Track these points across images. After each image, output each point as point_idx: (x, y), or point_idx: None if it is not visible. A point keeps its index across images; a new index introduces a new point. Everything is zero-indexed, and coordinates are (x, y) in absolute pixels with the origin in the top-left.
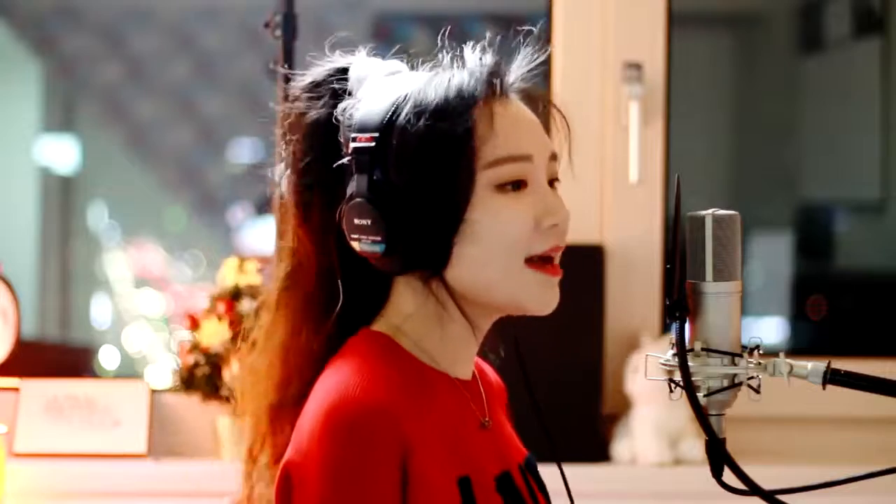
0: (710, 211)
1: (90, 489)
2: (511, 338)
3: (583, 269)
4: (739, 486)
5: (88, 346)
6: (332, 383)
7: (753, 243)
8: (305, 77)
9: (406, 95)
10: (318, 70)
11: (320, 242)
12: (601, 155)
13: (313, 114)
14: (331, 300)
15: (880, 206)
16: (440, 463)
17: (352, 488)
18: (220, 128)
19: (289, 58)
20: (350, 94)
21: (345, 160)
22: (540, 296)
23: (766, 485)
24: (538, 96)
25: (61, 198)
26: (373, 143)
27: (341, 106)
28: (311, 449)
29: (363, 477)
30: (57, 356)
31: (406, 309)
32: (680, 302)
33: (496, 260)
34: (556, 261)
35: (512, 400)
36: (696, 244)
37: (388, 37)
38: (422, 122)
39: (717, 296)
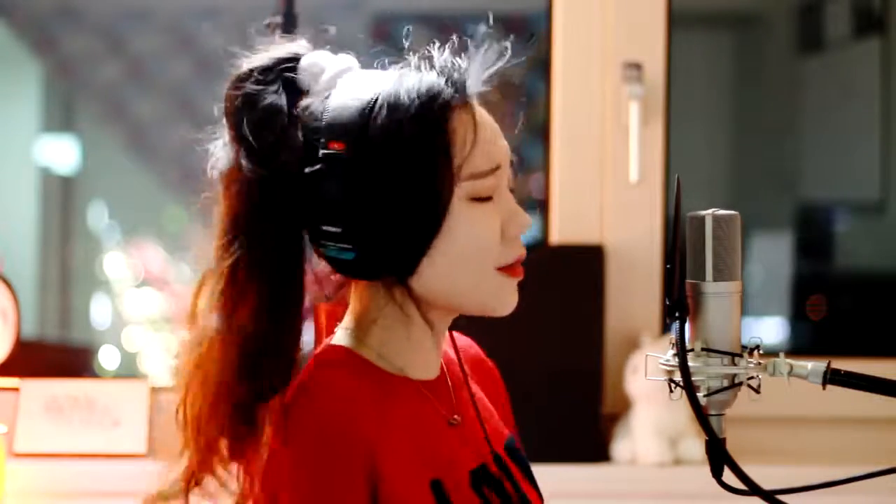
0: (710, 211)
1: (90, 489)
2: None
3: (583, 269)
4: (739, 486)
5: (88, 346)
6: (294, 408)
7: (753, 243)
8: (252, 60)
9: (377, 100)
10: (265, 55)
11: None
12: (601, 155)
13: (268, 99)
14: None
15: (880, 206)
16: (410, 469)
17: None
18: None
19: None
20: (305, 87)
21: (316, 167)
22: (505, 299)
23: (766, 485)
24: (496, 100)
25: (61, 198)
26: (344, 150)
27: (303, 103)
28: (280, 476)
29: (334, 498)
30: (57, 356)
31: (367, 316)
32: (680, 302)
33: (467, 269)
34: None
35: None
36: (696, 244)
37: (387, 37)
38: (398, 130)
39: (717, 296)
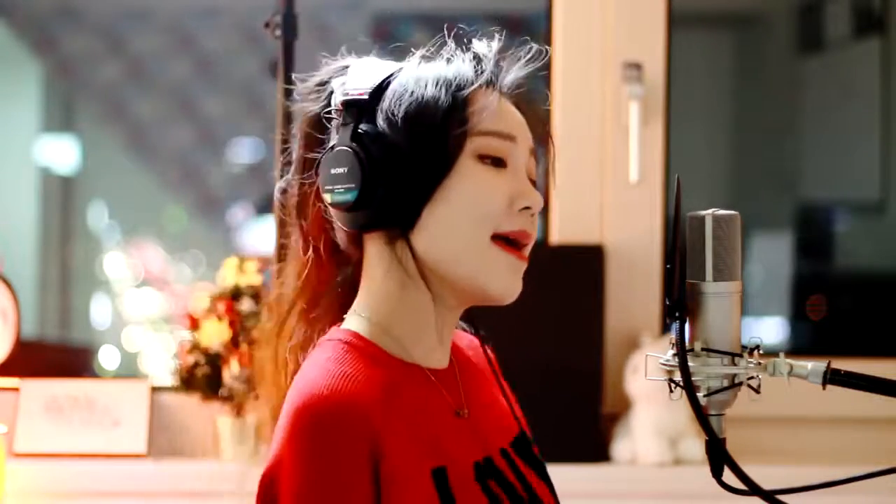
0: (710, 211)
1: (90, 489)
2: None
3: (583, 269)
4: (739, 486)
5: (88, 346)
6: (300, 385)
7: (753, 243)
8: (313, 77)
9: (404, 66)
10: (326, 69)
11: (317, 235)
12: (601, 155)
13: (313, 108)
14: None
15: (880, 206)
16: (412, 456)
17: (324, 487)
18: (220, 128)
19: (289, 58)
20: None
21: (333, 110)
22: (503, 278)
23: (766, 485)
24: (530, 108)
25: (61, 198)
26: (365, 97)
27: (341, 79)
28: (283, 452)
29: (334, 475)
30: (57, 356)
31: (373, 285)
32: (680, 302)
33: (463, 228)
34: (525, 251)
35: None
36: (696, 244)
37: (388, 37)
38: (419, 85)
39: (717, 296)
